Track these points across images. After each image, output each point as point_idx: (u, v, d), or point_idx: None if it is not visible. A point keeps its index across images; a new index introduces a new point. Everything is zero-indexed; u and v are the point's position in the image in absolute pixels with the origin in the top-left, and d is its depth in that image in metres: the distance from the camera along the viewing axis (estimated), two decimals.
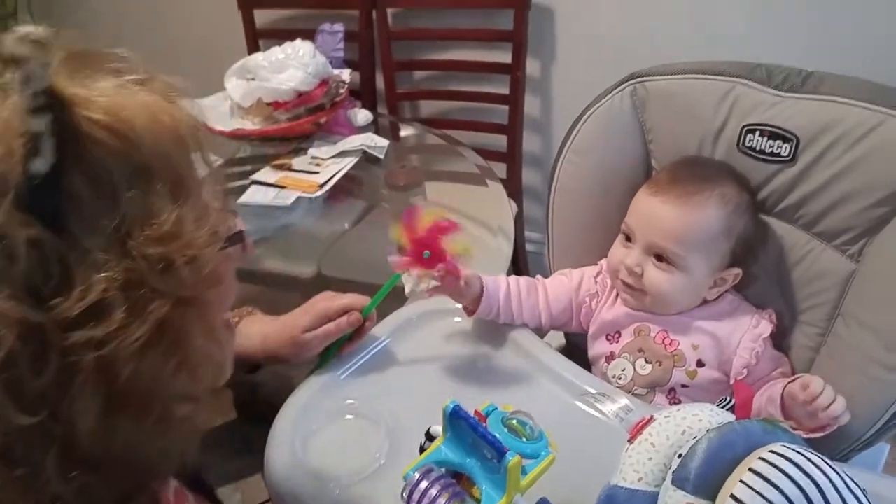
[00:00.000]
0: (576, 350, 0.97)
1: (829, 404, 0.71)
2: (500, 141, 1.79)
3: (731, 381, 0.84)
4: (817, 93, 0.80)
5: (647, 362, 0.87)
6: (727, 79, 0.86)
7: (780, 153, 0.82)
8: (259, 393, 0.92)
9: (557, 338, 1.02)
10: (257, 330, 0.84)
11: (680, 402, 0.85)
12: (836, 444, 0.77)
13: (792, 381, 0.76)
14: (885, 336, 0.74)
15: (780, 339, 0.86)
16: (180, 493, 0.57)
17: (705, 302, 0.87)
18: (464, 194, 1.44)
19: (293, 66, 1.49)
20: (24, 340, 0.37)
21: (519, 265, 1.79)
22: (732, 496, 0.57)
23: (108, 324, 0.38)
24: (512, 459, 0.59)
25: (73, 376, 0.38)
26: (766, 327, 0.84)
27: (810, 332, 0.85)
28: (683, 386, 0.85)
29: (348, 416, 0.81)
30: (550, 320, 0.93)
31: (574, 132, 0.95)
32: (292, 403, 0.81)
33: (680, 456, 0.63)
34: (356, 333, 0.85)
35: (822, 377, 0.79)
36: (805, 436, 0.74)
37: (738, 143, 0.85)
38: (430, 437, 0.68)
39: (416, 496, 0.61)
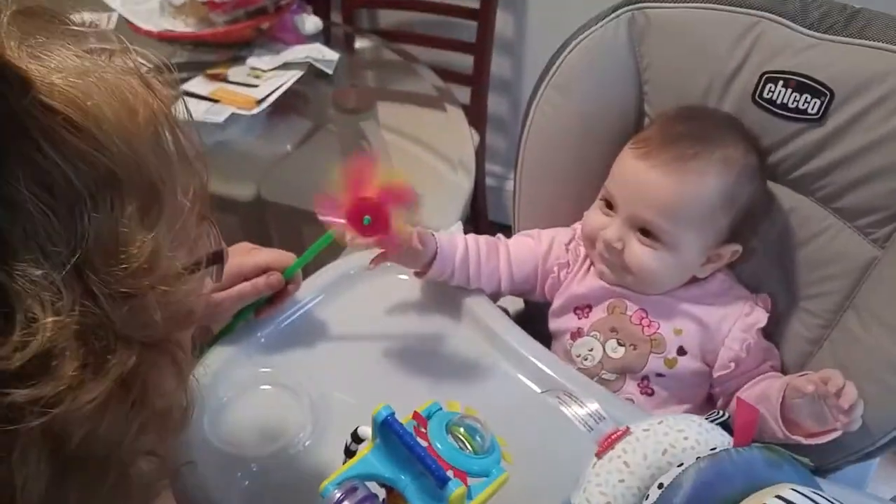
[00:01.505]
0: (537, 317, 0.84)
1: (851, 405, 0.61)
2: (465, 61, 1.60)
3: (716, 375, 0.73)
4: (863, 37, 0.65)
5: (619, 344, 0.74)
6: (751, 11, 0.70)
7: (806, 109, 0.67)
8: None
9: (516, 302, 0.89)
10: None
11: (653, 391, 0.74)
12: (831, 454, 0.68)
13: (799, 376, 0.65)
14: None
15: (771, 327, 0.74)
16: None
17: (694, 280, 0.74)
18: (419, 119, 1.31)
19: None
20: None
21: (477, 203, 1.64)
22: None
23: (56, 381, 0.30)
24: (455, 490, 0.47)
25: (13, 441, 0.31)
26: (760, 316, 0.72)
27: (811, 323, 0.73)
28: (659, 375, 0.73)
29: (264, 387, 0.69)
30: (511, 286, 0.79)
31: (556, 64, 0.78)
32: (201, 372, 0.68)
33: (661, 487, 0.51)
34: (276, 297, 0.73)
35: None
36: (804, 442, 0.64)
37: (754, 94, 0.70)
38: (357, 439, 0.55)
39: None
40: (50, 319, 0.30)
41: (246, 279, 0.69)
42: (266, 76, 1.28)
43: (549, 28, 1.59)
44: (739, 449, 0.51)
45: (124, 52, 0.37)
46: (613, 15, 0.76)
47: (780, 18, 0.69)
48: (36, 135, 0.30)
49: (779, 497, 0.47)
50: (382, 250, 0.71)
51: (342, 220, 0.62)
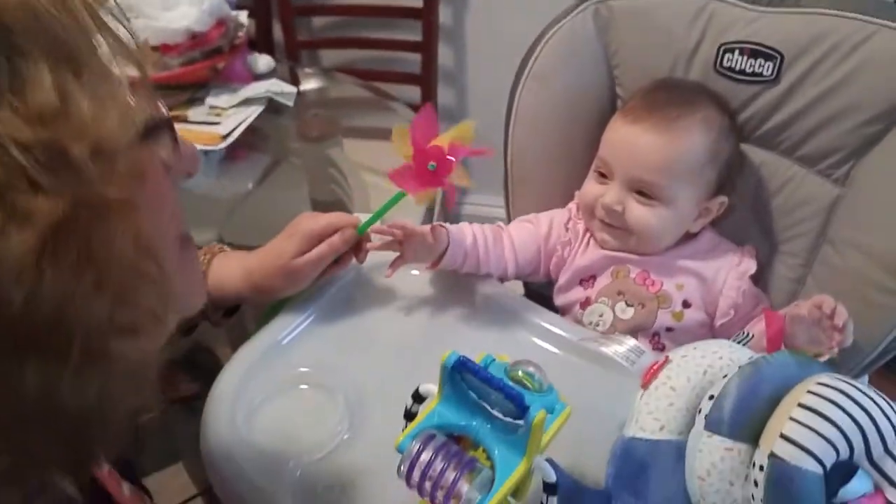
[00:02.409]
0: (536, 297, 0.88)
1: (844, 322, 0.67)
2: (411, 92, 1.67)
3: (718, 323, 0.79)
4: (800, 6, 0.75)
5: (628, 305, 0.79)
6: None
7: (762, 72, 0.76)
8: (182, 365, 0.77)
9: (517, 287, 0.93)
10: (237, 265, 0.72)
11: (664, 346, 0.79)
12: None
13: (794, 305, 0.71)
14: (882, 258, 0.71)
15: (757, 273, 0.81)
16: (113, 475, 0.48)
17: (685, 238, 0.81)
18: (384, 148, 1.33)
19: (185, 2, 1.28)
20: None
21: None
22: (783, 436, 0.50)
23: None
24: (537, 415, 0.49)
25: None
26: (749, 264, 0.79)
27: (792, 263, 0.81)
28: (668, 329, 0.79)
29: (302, 386, 0.69)
30: (516, 269, 0.83)
31: (533, 56, 0.85)
32: (231, 370, 0.68)
33: (712, 397, 0.56)
34: (348, 255, 0.74)
35: None
36: None
37: (715, 64, 0.79)
38: (418, 399, 0.57)
39: (417, 471, 0.49)
40: None
41: (319, 241, 0.70)
42: (227, 113, 1.28)
43: (488, 56, 1.69)
44: (774, 354, 0.56)
45: None
46: (578, 9, 0.83)
47: None
48: None
49: (820, 383, 0.52)
50: (398, 254, 0.75)
51: (407, 167, 0.66)
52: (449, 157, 0.65)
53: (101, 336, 0.33)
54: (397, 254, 0.76)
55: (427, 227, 0.75)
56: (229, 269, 0.72)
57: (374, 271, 0.81)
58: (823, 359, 0.70)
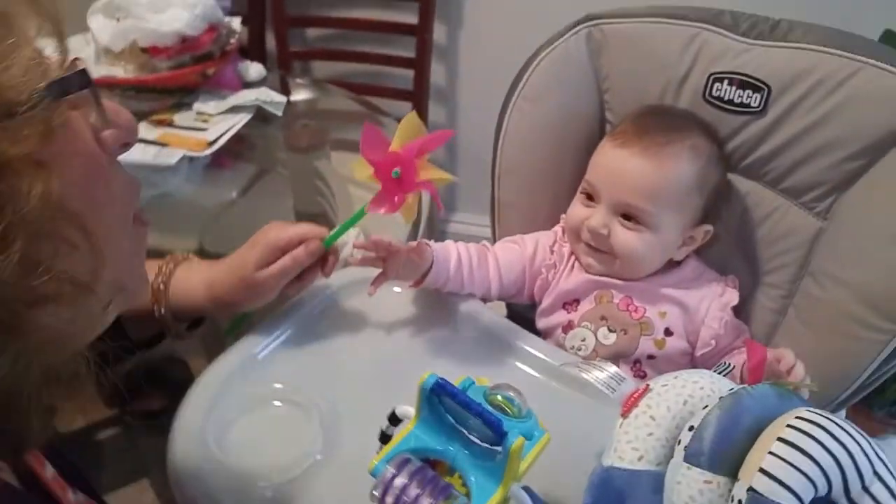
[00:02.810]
0: (518, 319, 0.87)
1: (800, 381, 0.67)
2: (402, 108, 1.66)
3: (698, 353, 0.78)
4: (788, 40, 0.75)
5: (610, 331, 0.79)
6: (692, 24, 0.80)
7: (749, 104, 0.77)
8: (152, 378, 0.75)
9: (499, 308, 0.92)
10: (199, 276, 0.70)
11: (646, 374, 0.79)
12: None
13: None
14: (863, 293, 0.71)
15: (739, 303, 0.81)
16: (58, 481, 0.46)
17: (670, 266, 0.81)
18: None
19: (177, 5, 1.27)
20: None
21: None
22: (762, 470, 0.49)
23: None
24: (515, 442, 0.48)
25: None
26: (732, 295, 0.79)
27: (774, 295, 0.81)
28: (650, 357, 0.78)
29: (276, 403, 0.67)
30: (500, 290, 0.83)
31: (524, 77, 0.85)
32: (202, 384, 0.67)
33: (692, 428, 0.55)
34: (314, 268, 0.72)
35: (793, 339, 0.76)
36: None
37: (704, 93, 0.79)
38: (394, 421, 0.56)
39: (391, 496, 0.48)
40: None
41: (283, 253, 0.68)
42: (214, 120, 1.27)
43: (480, 75, 1.70)
44: (755, 386, 0.56)
45: None
46: (573, 31, 0.84)
47: (717, 29, 0.79)
48: None
49: (799, 418, 0.52)
50: (381, 271, 0.73)
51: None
52: (405, 155, 0.64)
53: (13, 300, 0.32)
54: (379, 270, 0.75)
55: (412, 244, 0.74)
56: (191, 281, 0.70)
57: (355, 286, 0.80)
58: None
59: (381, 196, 0.66)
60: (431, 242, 0.78)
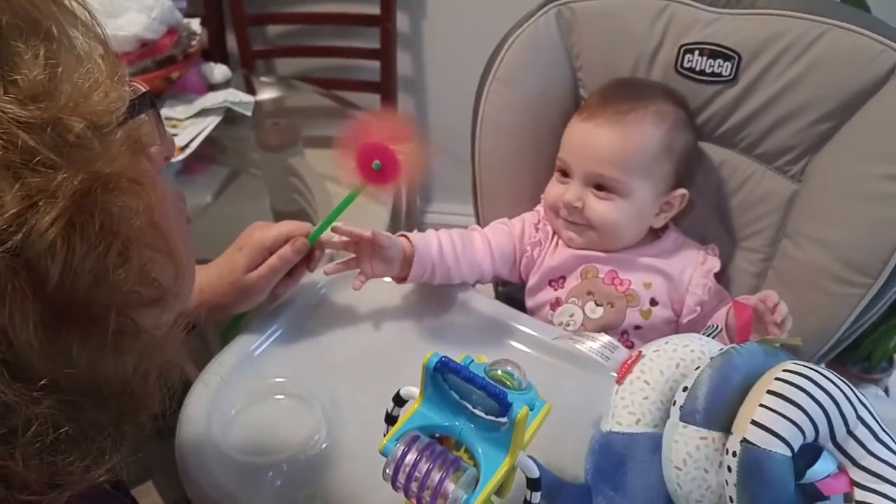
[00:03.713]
0: (507, 301, 0.88)
1: (783, 318, 0.69)
2: (371, 100, 1.66)
3: (684, 320, 0.80)
4: (755, 7, 0.77)
5: (597, 305, 0.80)
6: None
7: (721, 73, 0.79)
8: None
9: (487, 291, 0.93)
10: None
11: (633, 344, 0.80)
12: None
13: (743, 298, 0.72)
14: (838, 250, 0.73)
15: (721, 270, 0.83)
16: None
17: (651, 237, 0.82)
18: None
19: (133, 8, 1.25)
20: None
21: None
22: (754, 422, 0.51)
23: (2, 210, 0.29)
24: (520, 412, 0.49)
25: None
26: (714, 262, 0.81)
27: (753, 259, 0.83)
28: (636, 327, 0.80)
29: (278, 397, 0.67)
30: (493, 270, 0.83)
31: (497, 60, 0.85)
32: (203, 384, 0.67)
33: (685, 389, 0.56)
34: (301, 266, 0.72)
35: None
36: None
37: (675, 65, 0.81)
38: (399, 402, 0.56)
39: (402, 473, 0.49)
40: None
41: (271, 252, 0.69)
42: (184, 124, 1.26)
43: (446, 64, 1.70)
44: (743, 345, 0.58)
45: None
46: (540, 12, 0.84)
47: (685, 1, 0.80)
48: None
49: (786, 370, 0.53)
50: (360, 271, 0.74)
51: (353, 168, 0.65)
52: (387, 148, 0.65)
53: (132, 307, 0.36)
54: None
55: (376, 232, 0.72)
56: None
57: (344, 280, 0.80)
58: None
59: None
60: (411, 234, 0.77)
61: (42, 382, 0.32)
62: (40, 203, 0.30)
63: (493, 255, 0.82)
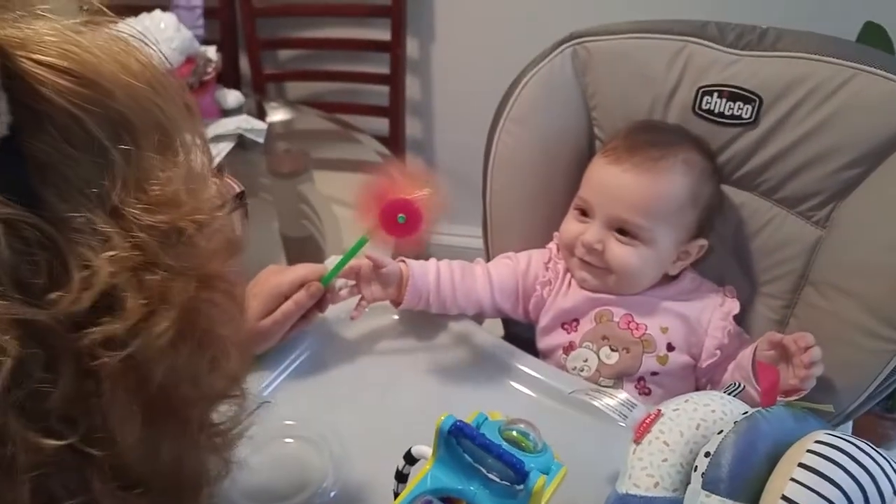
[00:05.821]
0: (517, 341, 0.86)
1: (813, 361, 0.66)
2: (379, 124, 1.65)
3: (703, 365, 0.78)
4: (777, 49, 0.75)
5: (612, 350, 0.78)
6: (677, 37, 0.79)
7: (741, 115, 0.77)
8: None
9: (496, 329, 0.91)
10: None
11: (650, 391, 0.78)
12: None
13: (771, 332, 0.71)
14: (868, 302, 0.70)
15: (739, 314, 0.80)
16: None
17: (667, 280, 0.80)
18: (349, 179, 1.31)
19: (161, 42, 1.25)
20: (27, 347, 0.29)
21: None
22: (785, 497, 0.49)
23: (126, 316, 0.31)
24: (538, 481, 0.47)
25: (98, 385, 0.31)
26: (733, 304, 0.79)
27: (774, 305, 0.81)
28: (653, 374, 0.77)
29: (287, 440, 0.67)
30: (493, 304, 0.82)
31: (511, 99, 0.84)
32: None
33: (707, 454, 0.54)
34: (313, 308, 0.73)
35: None
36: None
37: (693, 107, 0.79)
38: (410, 460, 0.55)
39: None
40: (104, 256, 0.31)
41: (286, 298, 0.69)
42: None
43: (453, 89, 1.69)
44: (770, 409, 0.55)
45: (98, 22, 0.36)
46: (557, 50, 0.83)
47: (703, 41, 0.79)
48: (37, 88, 0.31)
49: (819, 442, 0.51)
50: (360, 298, 0.75)
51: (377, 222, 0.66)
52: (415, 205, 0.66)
53: (213, 406, 0.38)
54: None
55: (371, 254, 0.73)
56: None
57: (353, 321, 0.79)
58: (788, 399, 0.69)
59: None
60: (410, 260, 0.78)
61: (136, 484, 0.33)
62: (158, 313, 0.32)
63: (493, 289, 0.81)
